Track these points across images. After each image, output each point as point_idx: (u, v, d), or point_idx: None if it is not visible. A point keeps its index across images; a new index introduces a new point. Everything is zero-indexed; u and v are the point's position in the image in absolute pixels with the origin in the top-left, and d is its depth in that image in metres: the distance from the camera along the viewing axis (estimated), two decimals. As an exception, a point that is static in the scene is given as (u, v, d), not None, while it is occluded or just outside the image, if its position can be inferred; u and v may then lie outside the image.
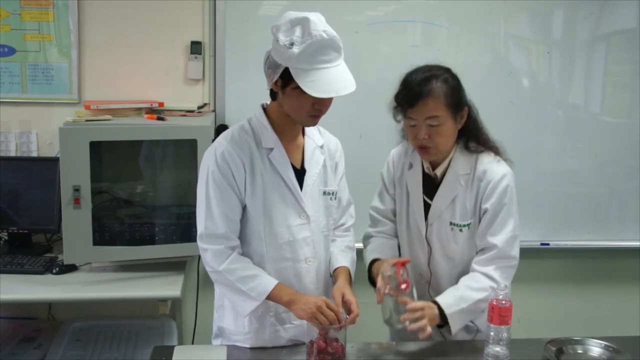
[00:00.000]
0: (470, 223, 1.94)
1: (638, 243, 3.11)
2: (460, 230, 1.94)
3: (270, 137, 1.84)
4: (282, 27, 1.68)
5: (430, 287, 2.01)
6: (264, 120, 1.85)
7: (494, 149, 1.96)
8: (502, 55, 2.97)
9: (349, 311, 1.80)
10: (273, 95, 1.82)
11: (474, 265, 1.92)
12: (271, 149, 1.84)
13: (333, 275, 1.98)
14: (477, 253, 1.94)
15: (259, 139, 1.84)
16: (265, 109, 1.89)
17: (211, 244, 1.81)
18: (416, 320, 1.76)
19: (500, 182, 1.89)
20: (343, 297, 1.81)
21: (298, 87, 1.68)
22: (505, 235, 1.89)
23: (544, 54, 2.97)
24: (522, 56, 2.99)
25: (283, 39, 1.66)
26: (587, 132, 3.07)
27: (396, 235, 2.10)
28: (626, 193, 3.11)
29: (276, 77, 1.73)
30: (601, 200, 3.12)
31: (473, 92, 1.95)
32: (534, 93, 3.00)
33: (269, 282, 1.80)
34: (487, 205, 1.90)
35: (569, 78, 3.00)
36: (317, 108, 1.76)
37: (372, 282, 1.96)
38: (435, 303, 1.84)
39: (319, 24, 1.66)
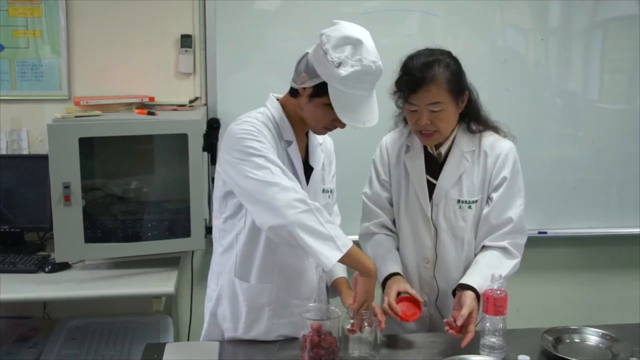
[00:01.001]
0: (478, 200, 1.94)
1: (637, 230, 3.10)
2: (469, 207, 1.94)
3: (289, 131, 1.83)
4: (333, 41, 1.64)
5: (435, 271, 1.99)
6: (282, 114, 1.83)
7: (495, 129, 1.98)
8: (498, 43, 2.95)
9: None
10: (293, 92, 1.79)
11: (488, 242, 1.93)
12: (290, 143, 1.83)
13: (333, 284, 1.97)
14: (488, 230, 1.94)
15: (279, 130, 1.82)
16: (278, 101, 1.86)
17: (294, 183, 1.69)
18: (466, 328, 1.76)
19: (509, 153, 1.94)
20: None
21: (329, 104, 1.67)
22: (517, 209, 1.93)
23: (539, 41, 2.94)
24: (519, 44, 2.98)
25: (333, 54, 1.62)
26: (585, 119, 3.06)
27: (392, 227, 2.07)
28: (625, 180, 3.10)
29: (310, 84, 1.70)
30: (600, 187, 3.10)
31: (470, 80, 1.94)
32: (531, 80, 2.97)
33: (348, 239, 1.68)
34: (504, 174, 1.92)
35: (566, 65, 2.99)
36: (335, 125, 1.76)
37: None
38: (465, 286, 1.82)
39: (372, 51, 1.65)
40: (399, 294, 1.87)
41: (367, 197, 2.09)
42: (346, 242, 1.65)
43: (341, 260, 1.65)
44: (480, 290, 1.79)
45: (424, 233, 1.99)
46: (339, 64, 1.62)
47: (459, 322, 1.74)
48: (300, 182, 1.81)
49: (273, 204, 1.64)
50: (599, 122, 3.04)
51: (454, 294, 1.87)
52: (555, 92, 3.03)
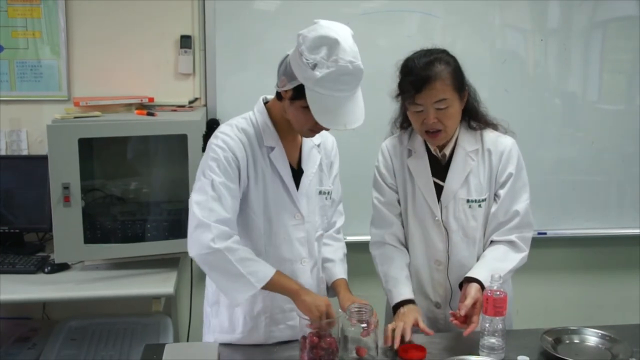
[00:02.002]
0: (486, 197, 1.95)
1: (637, 230, 3.09)
2: (479, 205, 1.95)
3: (272, 136, 1.81)
4: (309, 42, 1.61)
5: (449, 273, 1.99)
6: (267, 118, 1.82)
7: (494, 126, 1.99)
8: (498, 44, 2.95)
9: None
10: (279, 96, 1.77)
11: (495, 237, 1.95)
12: (272, 148, 1.81)
13: (332, 285, 1.96)
14: (496, 227, 1.95)
15: (260, 136, 1.81)
16: (266, 104, 1.85)
17: (216, 222, 1.67)
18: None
19: (512, 149, 1.96)
20: None
21: (308, 106, 1.64)
22: (524, 204, 1.94)
23: (539, 42, 2.94)
24: (518, 45, 2.97)
25: (308, 56, 1.59)
26: (584, 119, 3.05)
27: (403, 239, 2.05)
28: (624, 180, 3.10)
29: (289, 87, 1.68)
30: (599, 187, 3.10)
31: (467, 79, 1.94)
32: (530, 81, 2.97)
33: (269, 269, 1.72)
34: (510, 170, 1.93)
35: (566, 66, 2.98)
36: (319, 127, 1.73)
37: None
38: (471, 279, 1.83)
39: (348, 51, 1.60)
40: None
41: (380, 203, 2.05)
42: (263, 275, 1.69)
43: (266, 288, 1.71)
44: (486, 283, 1.80)
45: (435, 236, 1.98)
46: (314, 66, 1.59)
47: (463, 312, 1.76)
48: (288, 187, 1.82)
49: (192, 237, 1.69)
50: (599, 122, 3.04)
51: (460, 287, 1.88)
52: (555, 92, 3.02)
